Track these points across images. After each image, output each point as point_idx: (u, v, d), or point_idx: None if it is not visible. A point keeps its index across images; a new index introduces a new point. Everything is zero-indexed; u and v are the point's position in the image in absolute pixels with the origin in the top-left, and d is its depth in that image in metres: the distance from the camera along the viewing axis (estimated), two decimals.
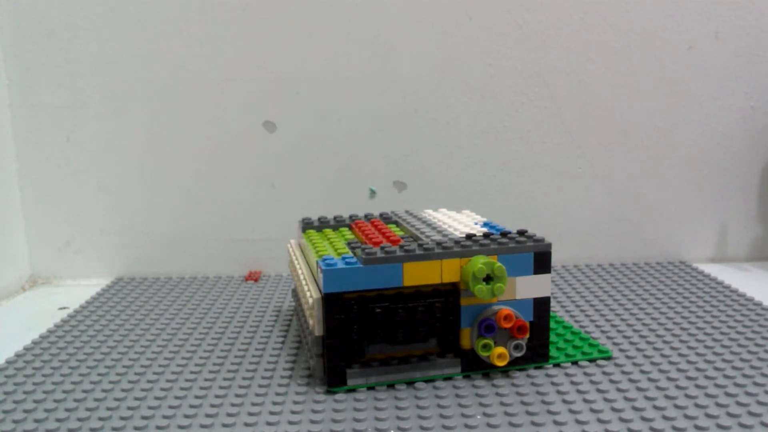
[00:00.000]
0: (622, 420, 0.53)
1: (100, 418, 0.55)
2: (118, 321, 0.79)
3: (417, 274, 0.59)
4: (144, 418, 0.55)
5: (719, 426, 0.52)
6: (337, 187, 0.98)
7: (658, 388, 0.58)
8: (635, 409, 0.55)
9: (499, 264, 0.59)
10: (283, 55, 0.95)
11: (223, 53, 0.94)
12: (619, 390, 0.58)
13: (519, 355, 0.62)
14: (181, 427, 0.54)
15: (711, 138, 0.99)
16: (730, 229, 1.03)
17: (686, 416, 0.53)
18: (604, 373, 0.62)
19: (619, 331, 0.72)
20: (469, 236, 0.64)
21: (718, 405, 0.55)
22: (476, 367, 0.62)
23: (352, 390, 0.60)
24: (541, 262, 0.62)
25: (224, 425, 0.54)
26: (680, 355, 0.65)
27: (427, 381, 0.61)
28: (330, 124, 0.96)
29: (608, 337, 0.70)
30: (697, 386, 0.58)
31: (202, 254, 0.99)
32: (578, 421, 0.53)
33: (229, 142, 0.96)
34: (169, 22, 0.93)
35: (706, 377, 0.60)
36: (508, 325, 0.61)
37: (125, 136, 0.96)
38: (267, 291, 0.90)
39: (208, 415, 0.55)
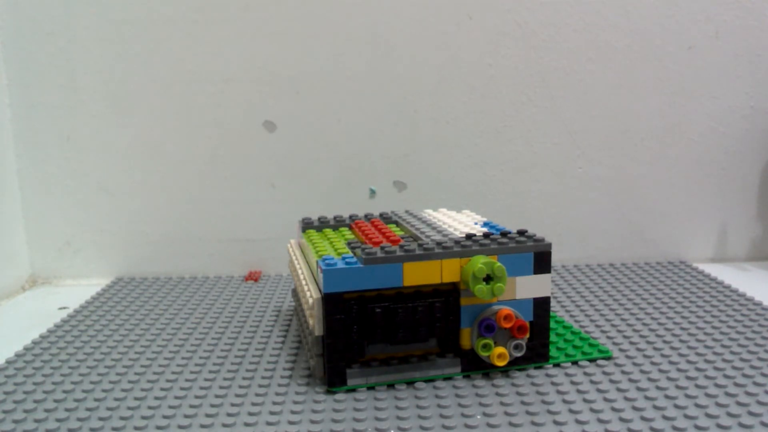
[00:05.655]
0: (622, 420, 0.53)
1: (100, 418, 0.55)
2: (118, 321, 0.79)
3: (417, 274, 0.59)
4: (144, 418, 0.55)
5: (719, 426, 0.52)
6: (337, 187, 0.98)
7: (658, 388, 0.58)
8: (635, 409, 0.55)
9: (499, 264, 0.59)
10: (283, 55, 0.95)
11: (223, 53, 0.94)
12: (619, 390, 0.58)
13: (519, 355, 0.62)
14: (181, 427, 0.54)
15: (711, 138, 0.99)
16: (730, 229, 1.03)
17: (686, 416, 0.53)
18: (604, 373, 0.62)
19: (619, 331, 0.72)
20: (469, 236, 0.64)
21: (718, 405, 0.55)
22: (476, 367, 0.62)
23: (352, 390, 0.60)
24: (541, 262, 0.62)
25: (224, 425, 0.54)
26: (680, 355, 0.65)
27: (427, 381, 0.61)
28: (330, 124, 0.96)
29: (608, 337, 0.70)
30: (697, 386, 0.58)
31: (202, 254, 0.99)
32: (578, 421, 0.53)
33: (229, 142, 0.96)
34: (169, 22, 0.93)
35: (706, 377, 0.60)
36: (508, 325, 0.61)
37: (125, 136, 0.96)
38: (267, 291, 0.90)
39: (208, 415, 0.55)
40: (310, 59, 0.95)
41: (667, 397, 0.57)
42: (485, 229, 0.69)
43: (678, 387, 0.58)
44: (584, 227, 1.01)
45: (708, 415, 0.53)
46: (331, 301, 0.58)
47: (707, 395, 0.57)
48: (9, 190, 0.95)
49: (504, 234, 0.65)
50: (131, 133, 0.96)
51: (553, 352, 0.66)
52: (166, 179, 0.97)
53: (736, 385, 0.59)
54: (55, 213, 0.98)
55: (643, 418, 0.53)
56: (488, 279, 0.59)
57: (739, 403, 0.55)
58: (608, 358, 0.65)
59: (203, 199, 0.98)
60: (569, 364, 0.64)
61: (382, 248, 0.60)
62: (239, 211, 0.98)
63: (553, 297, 0.84)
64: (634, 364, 0.64)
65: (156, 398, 0.59)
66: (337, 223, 0.78)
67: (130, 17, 0.93)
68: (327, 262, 0.59)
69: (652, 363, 0.64)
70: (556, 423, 0.53)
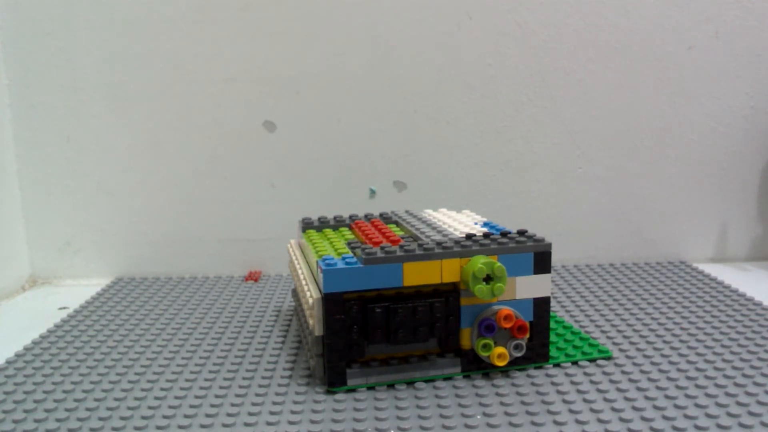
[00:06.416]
0: (622, 420, 0.53)
1: (100, 418, 0.55)
2: (118, 321, 0.79)
3: (417, 274, 0.59)
4: (144, 418, 0.55)
5: (719, 426, 0.52)
6: (337, 187, 0.98)
7: (658, 388, 0.58)
8: (635, 409, 0.55)
9: (499, 264, 0.59)
10: (283, 55, 0.95)
11: (223, 53, 0.94)
12: (619, 390, 0.58)
13: (519, 355, 0.62)
14: (181, 427, 0.54)
15: (711, 138, 0.99)
16: (730, 229, 1.03)
17: (686, 416, 0.53)
18: (604, 373, 0.62)
19: (619, 331, 0.72)
20: (469, 236, 0.64)
21: (718, 405, 0.55)
22: (476, 367, 0.62)
23: (352, 390, 0.60)
24: (541, 262, 0.62)
25: (224, 425, 0.54)
26: (680, 355, 0.65)
27: (427, 381, 0.61)
28: (330, 124, 0.96)
29: (608, 337, 0.70)
30: (697, 386, 0.58)
31: (202, 254, 0.99)
32: (578, 421, 0.53)
33: (229, 142, 0.96)
34: (169, 22, 0.93)
35: (706, 377, 0.60)
36: (508, 325, 0.61)
37: (125, 136, 0.96)
38: (267, 291, 0.90)
39: (208, 415, 0.55)
40: (310, 59, 0.95)
41: (667, 397, 0.57)
42: (485, 229, 0.69)
43: (678, 387, 0.58)
44: (584, 227, 1.01)
45: (708, 415, 0.53)
46: (331, 301, 0.58)
47: (707, 395, 0.57)
48: (9, 190, 0.95)
49: (504, 234, 0.65)
50: (131, 133, 0.96)
51: (553, 352, 0.66)
52: (166, 179, 0.97)
53: (736, 385, 0.59)
54: (55, 213, 0.98)
55: (643, 418, 0.53)
56: (488, 279, 0.59)
57: (739, 403, 0.55)
58: (608, 358, 0.65)
59: (203, 199, 0.98)
60: (569, 364, 0.64)
61: (382, 248, 0.60)
62: (239, 211, 0.98)
63: (553, 297, 0.84)
64: (634, 364, 0.64)
65: (156, 398, 0.59)
66: (337, 223, 0.78)
67: (130, 17, 0.93)
68: (327, 262, 0.59)
69: (652, 363, 0.64)
70: (556, 423, 0.53)
